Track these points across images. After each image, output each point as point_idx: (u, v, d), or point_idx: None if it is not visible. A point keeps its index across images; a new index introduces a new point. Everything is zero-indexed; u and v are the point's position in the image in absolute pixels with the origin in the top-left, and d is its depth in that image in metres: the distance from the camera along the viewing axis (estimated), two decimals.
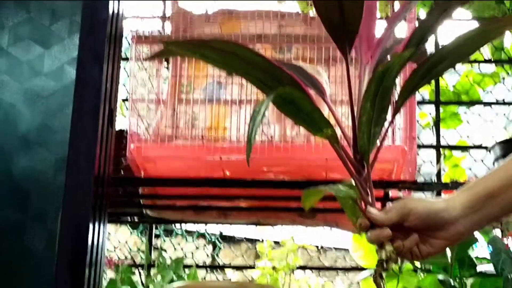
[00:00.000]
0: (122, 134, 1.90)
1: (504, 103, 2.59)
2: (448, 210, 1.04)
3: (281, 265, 2.17)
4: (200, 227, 2.70)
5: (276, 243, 2.28)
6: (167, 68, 2.08)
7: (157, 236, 2.53)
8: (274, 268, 2.17)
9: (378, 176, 1.78)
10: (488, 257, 1.92)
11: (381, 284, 1.02)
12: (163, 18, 2.11)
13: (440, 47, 1.05)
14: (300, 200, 0.97)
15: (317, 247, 2.50)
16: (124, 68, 2.14)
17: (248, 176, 1.80)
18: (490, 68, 2.69)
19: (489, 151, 2.14)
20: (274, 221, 2.10)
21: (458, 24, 2.47)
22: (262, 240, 2.30)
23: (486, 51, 2.62)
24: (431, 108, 2.55)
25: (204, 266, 2.57)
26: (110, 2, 1.50)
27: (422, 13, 2.49)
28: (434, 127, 2.49)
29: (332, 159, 1.66)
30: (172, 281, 1.97)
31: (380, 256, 1.03)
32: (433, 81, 2.47)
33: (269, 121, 1.91)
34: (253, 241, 2.69)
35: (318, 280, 2.39)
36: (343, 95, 1.91)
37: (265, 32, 1.96)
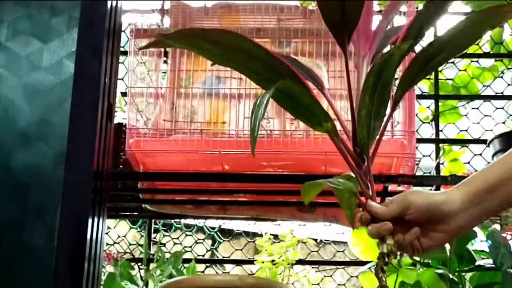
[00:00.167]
0: (121, 128, 1.90)
1: (503, 97, 2.58)
2: (448, 204, 1.04)
3: (280, 259, 2.17)
4: (199, 221, 2.70)
5: (276, 237, 2.28)
6: (166, 62, 2.08)
7: (156, 231, 2.53)
8: (273, 262, 2.17)
9: (378, 170, 1.78)
10: (487, 251, 1.92)
11: (383, 277, 1.02)
12: (162, 12, 2.11)
13: (436, 37, 1.05)
14: (299, 195, 0.97)
15: (315, 240, 2.50)
16: (123, 63, 2.14)
17: (247, 171, 1.80)
18: (489, 62, 2.68)
19: (488, 145, 2.14)
20: (274, 216, 2.10)
21: (457, 18, 2.46)
22: (262, 234, 2.30)
23: (485, 45, 2.62)
24: (430, 102, 2.55)
25: (203, 260, 2.58)
26: None
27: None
28: (433, 121, 2.49)
29: (331, 153, 1.66)
30: (171, 275, 1.97)
31: (381, 249, 1.03)
32: (432, 75, 2.46)
33: (269, 115, 1.91)
34: (252, 235, 2.69)
35: (317, 274, 2.39)
36: (343, 90, 1.91)
37: (264, 26, 1.96)
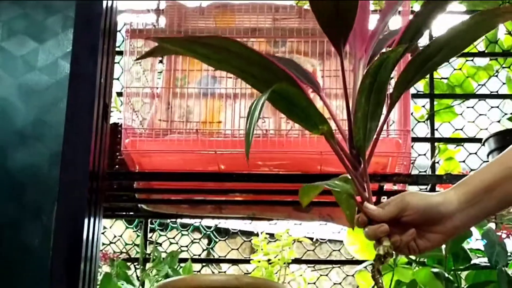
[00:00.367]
0: (116, 128, 1.90)
1: (498, 95, 2.59)
2: (445, 204, 1.04)
3: (276, 258, 2.17)
4: (195, 221, 2.70)
5: (272, 236, 2.29)
6: (162, 62, 2.08)
7: (152, 230, 2.53)
8: (269, 261, 2.18)
9: (373, 170, 1.79)
10: (483, 249, 1.92)
11: (379, 280, 1.02)
12: (158, 12, 2.11)
13: (434, 38, 1.05)
14: (295, 194, 0.98)
15: (311, 239, 2.51)
16: (119, 62, 2.13)
17: (243, 170, 1.80)
18: (484, 61, 2.69)
19: (483, 144, 2.14)
20: (270, 215, 2.11)
21: (452, 17, 2.47)
22: (258, 234, 2.30)
23: (480, 44, 2.62)
24: (426, 101, 2.55)
25: (200, 260, 2.58)
26: None
27: (417, 8, 2.49)
28: (428, 120, 2.49)
29: (327, 152, 1.67)
30: (167, 275, 1.98)
31: (378, 251, 1.03)
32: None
33: (264, 114, 1.91)
34: (248, 235, 2.69)
35: (313, 273, 2.40)
36: (338, 89, 1.91)
37: (259, 26, 1.96)
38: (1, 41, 1.42)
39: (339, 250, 2.58)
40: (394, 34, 1.07)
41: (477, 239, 2.11)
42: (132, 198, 2.01)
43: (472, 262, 1.92)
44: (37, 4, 1.43)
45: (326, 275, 2.55)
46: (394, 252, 1.04)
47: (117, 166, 1.91)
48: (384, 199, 1.90)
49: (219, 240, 2.74)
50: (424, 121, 2.51)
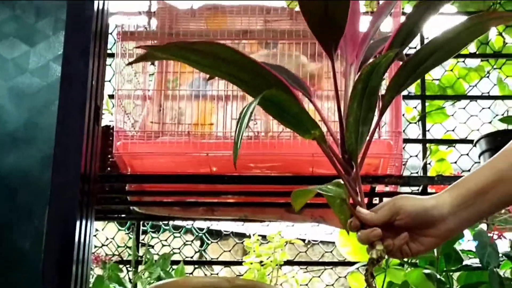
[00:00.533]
0: (108, 131, 1.89)
1: (489, 97, 2.60)
2: (438, 208, 1.04)
3: (269, 260, 2.17)
4: (187, 223, 2.70)
5: (264, 238, 2.29)
6: (153, 64, 2.08)
7: (145, 232, 2.53)
8: (261, 263, 2.17)
9: (365, 171, 1.79)
10: (474, 250, 1.93)
11: (373, 283, 1.02)
12: (149, 14, 2.11)
13: (426, 42, 1.05)
14: (287, 196, 0.98)
15: (303, 240, 2.51)
16: (110, 65, 2.13)
17: (235, 172, 1.80)
18: (475, 62, 2.70)
19: (475, 145, 2.15)
20: (262, 217, 2.11)
21: (443, 18, 2.47)
22: (250, 235, 2.30)
23: (471, 45, 2.63)
24: (417, 102, 2.56)
25: (192, 262, 2.57)
26: None
27: (408, 9, 2.49)
28: (420, 121, 2.50)
29: (318, 154, 1.67)
30: (159, 277, 1.97)
31: (371, 255, 1.03)
32: None
33: (256, 116, 1.91)
34: (241, 236, 2.69)
35: (306, 275, 2.40)
36: (330, 91, 1.92)
37: (251, 28, 1.96)
38: None
39: (331, 252, 2.58)
40: (386, 40, 1.07)
41: (468, 240, 2.11)
42: (124, 200, 2.00)
43: (464, 263, 1.92)
44: (28, 7, 1.43)
45: (319, 276, 2.55)
46: (387, 256, 1.04)
47: (108, 169, 1.91)
48: (376, 200, 1.90)
49: (212, 242, 2.74)
50: (415, 122, 2.52)
